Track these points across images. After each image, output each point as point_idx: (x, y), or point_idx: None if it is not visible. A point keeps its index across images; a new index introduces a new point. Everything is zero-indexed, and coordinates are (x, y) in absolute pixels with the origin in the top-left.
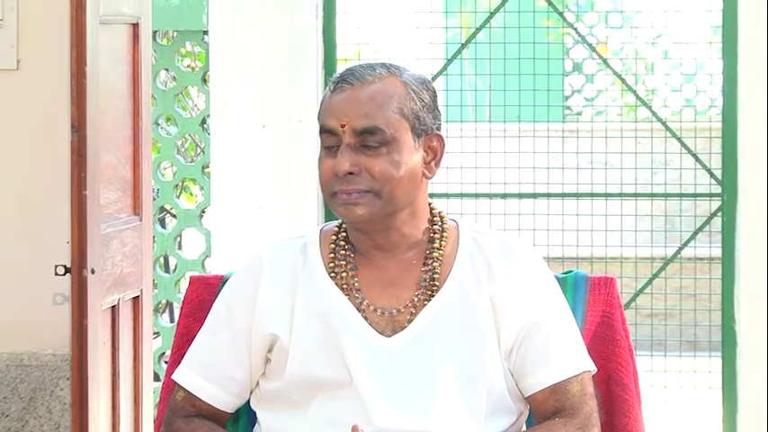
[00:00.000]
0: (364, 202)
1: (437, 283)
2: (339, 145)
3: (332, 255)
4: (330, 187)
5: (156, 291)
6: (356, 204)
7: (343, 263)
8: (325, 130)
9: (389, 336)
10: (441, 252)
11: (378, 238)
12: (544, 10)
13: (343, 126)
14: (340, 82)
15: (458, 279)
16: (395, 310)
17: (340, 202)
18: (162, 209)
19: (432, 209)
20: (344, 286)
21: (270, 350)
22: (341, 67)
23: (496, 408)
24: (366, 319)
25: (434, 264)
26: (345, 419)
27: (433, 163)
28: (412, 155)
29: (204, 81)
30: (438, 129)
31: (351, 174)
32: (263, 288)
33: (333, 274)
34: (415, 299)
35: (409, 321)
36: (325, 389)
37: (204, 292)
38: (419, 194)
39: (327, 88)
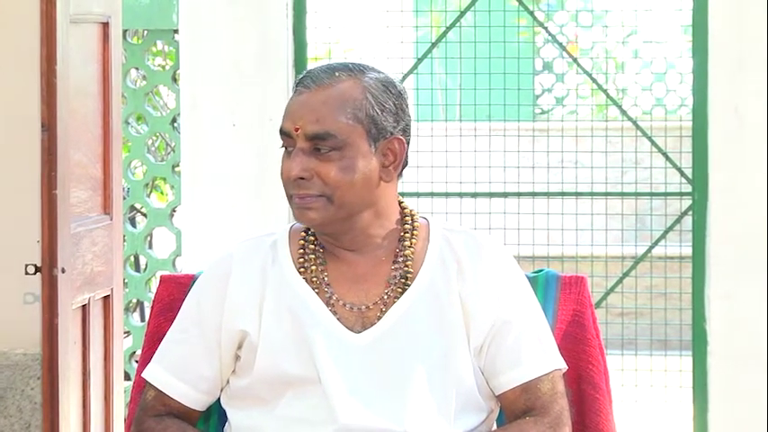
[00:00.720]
0: (317, 206)
1: (407, 281)
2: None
3: (301, 250)
4: (287, 189)
5: (127, 290)
6: (309, 209)
7: (313, 257)
8: (282, 133)
9: (359, 332)
10: (411, 250)
11: (343, 239)
12: (514, 9)
13: (297, 130)
14: (299, 84)
15: (428, 276)
16: (364, 306)
17: (295, 206)
18: (132, 208)
19: (403, 208)
20: (314, 280)
21: (240, 347)
22: (310, 66)
23: (466, 405)
24: (335, 314)
25: (405, 261)
26: (314, 417)
27: (391, 167)
28: (367, 160)
29: (174, 80)
30: (402, 132)
31: (302, 179)
32: (233, 285)
33: (302, 270)
34: (385, 296)
35: (379, 318)
36: (293, 386)
37: (175, 292)
38: (381, 197)
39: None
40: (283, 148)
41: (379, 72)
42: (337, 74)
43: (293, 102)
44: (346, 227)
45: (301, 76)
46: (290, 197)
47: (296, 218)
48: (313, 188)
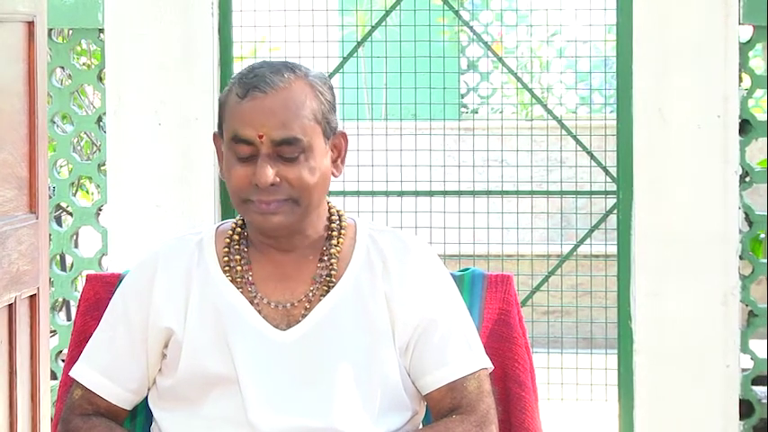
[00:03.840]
0: (283, 210)
1: (333, 280)
2: (255, 155)
3: (226, 249)
4: (244, 195)
5: (53, 289)
6: (275, 213)
7: (238, 257)
8: (240, 140)
9: (284, 330)
10: (338, 249)
11: (282, 241)
12: (439, 8)
13: (261, 137)
14: (251, 89)
15: (353, 276)
16: (289, 304)
17: (256, 211)
18: (58, 207)
19: (329, 207)
20: (238, 280)
21: (166, 345)
22: (239, 67)
23: (391, 405)
24: (260, 313)
25: (331, 261)
26: (239, 416)
27: (339, 161)
28: (324, 158)
29: (100, 79)
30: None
31: (272, 185)
32: (158, 283)
33: (227, 268)
34: (310, 294)
35: (303, 316)
36: (217, 386)
37: (101, 291)
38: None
39: (232, 92)
40: (222, 152)
41: (310, 69)
42: (286, 75)
43: (248, 108)
44: (297, 228)
45: (248, 80)
46: (244, 201)
47: (255, 223)
48: (280, 193)
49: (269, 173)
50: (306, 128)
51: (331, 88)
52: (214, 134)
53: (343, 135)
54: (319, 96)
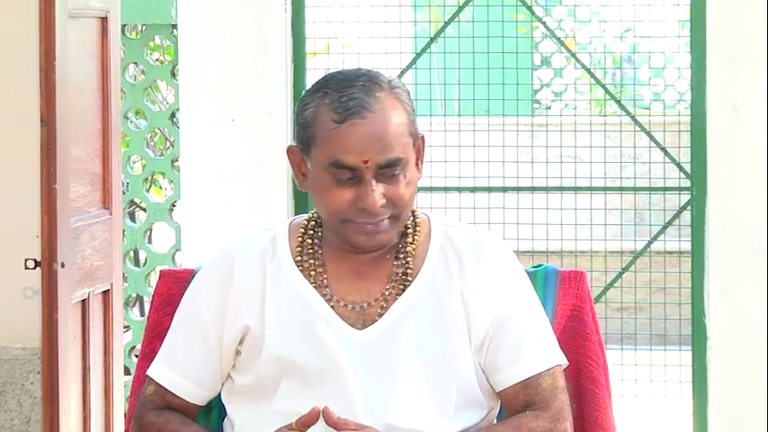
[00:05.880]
0: (385, 228)
1: (409, 279)
2: (356, 177)
3: (299, 249)
4: (346, 216)
5: (126, 284)
6: (380, 232)
7: (312, 261)
8: (342, 166)
9: (360, 329)
10: (413, 246)
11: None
12: (513, 4)
13: (366, 162)
14: (350, 115)
15: (429, 273)
16: (365, 304)
17: (359, 231)
18: (132, 202)
19: None
20: (313, 284)
21: (240, 342)
22: (312, 63)
23: (467, 402)
24: (336, 312)
25: (407, 259)
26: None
27: (419, 162)
28: (414, 168)
29: (173, 75)
30: None
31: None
32: (233, 281)
33: (301, 268)
34: (386, 292)
35: (380, 315)
36: (297, 378)
37: (174, 286)
38: None
39: (322, 114)
40: (305, 169)
41: (384, 74)
42: (377, 94)
43: (348, 134)
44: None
45: (342, 103)
46: (344, 222)
47: (357, 242)
48: (384, 213)
49: (378, 198)
50: (404, 145)
51: (409, 93)
52: (290, 148)
53: (422, 138)
54: (406, 108)
